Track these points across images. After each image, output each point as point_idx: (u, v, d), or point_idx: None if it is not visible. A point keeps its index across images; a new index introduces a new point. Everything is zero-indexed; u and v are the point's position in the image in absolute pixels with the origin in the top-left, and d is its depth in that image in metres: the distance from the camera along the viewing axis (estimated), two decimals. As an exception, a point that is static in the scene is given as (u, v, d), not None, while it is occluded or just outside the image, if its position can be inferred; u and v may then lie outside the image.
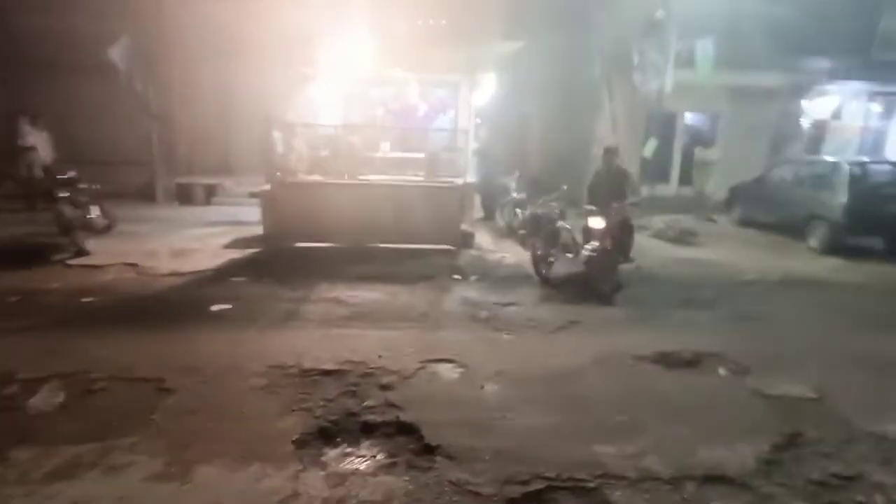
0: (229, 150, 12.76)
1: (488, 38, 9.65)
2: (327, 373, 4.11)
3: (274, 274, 6.82)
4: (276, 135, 9.20)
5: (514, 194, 9.82)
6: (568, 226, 7.59)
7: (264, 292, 6.20)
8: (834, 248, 9.16)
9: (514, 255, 8.32)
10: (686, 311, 6.20)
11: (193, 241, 8.23)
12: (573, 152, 14.35)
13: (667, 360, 4.67)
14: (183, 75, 12.00)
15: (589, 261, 6.50)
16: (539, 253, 6.95)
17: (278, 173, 7.87)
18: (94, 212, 7.97)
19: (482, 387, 4.07)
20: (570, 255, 7.09)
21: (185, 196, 12.04)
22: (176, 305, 5.67)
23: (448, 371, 4.32)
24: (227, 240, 8.39)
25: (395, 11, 9.68)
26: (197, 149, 12.75)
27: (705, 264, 8.50)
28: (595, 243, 6.56)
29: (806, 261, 8.96)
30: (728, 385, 4.37)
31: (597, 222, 6.70)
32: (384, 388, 3.93)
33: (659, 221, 10.89)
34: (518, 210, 9.39)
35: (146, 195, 11.84)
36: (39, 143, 9.91)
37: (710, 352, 4.86)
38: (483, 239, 9.27)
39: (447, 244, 8.09)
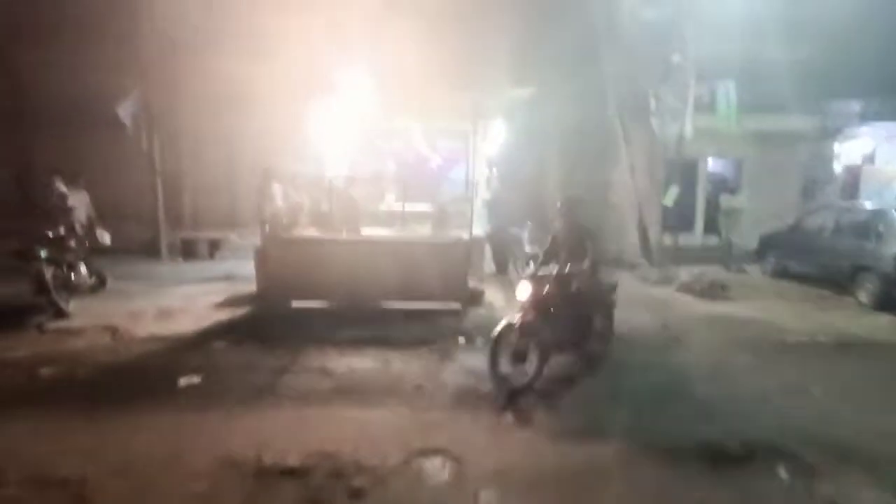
0: (235, 202, 12.50)
1: (498, 84, 9.30)
2: (289, 471, 3.40)
3: (259, 337, 6.21)
4: (275, 186, 8.88)
5: (528, 247, 9.18)
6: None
7: (243, 360, 5.57)
8: (887, 302, 8.19)
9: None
10: (725, 383, 5.35)
11: (184, 300, 7.72)
12: (589, 201, 13.76)
13: (711, 455, 3.81)
14: (189, 129, 11.94)
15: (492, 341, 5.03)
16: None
17: (269, 228, 7.38)
18: (81, 271, 7.57)
19: (476, 494, 3.29)
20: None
21: (189, 251, 11.70)
22: (141, 378, 5.07)
23: (437, 468, 3.56)
24: (220, 298, 7.87)
25: (402, 58, 9.45)
26: (203, 202, 12.54)
27: (741, 322, 7.63)
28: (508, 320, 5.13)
29: (856, 318, 8.01)
30: (793, 494, 3.47)
31: (523, 290, 5.25)
32: (354, 494, 3.19)
33: (684, 274, 10.09)
34: (532, 264, 8.72)
35: (151, 251, 11.51)
36: (78, 202, 9.43)
37: (762, 441, 4.00)
38: (494, 296, 8.57)
39: (453, 303, 7.41)
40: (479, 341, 6.36)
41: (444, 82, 9.43)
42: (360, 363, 5.61)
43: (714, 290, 9.30)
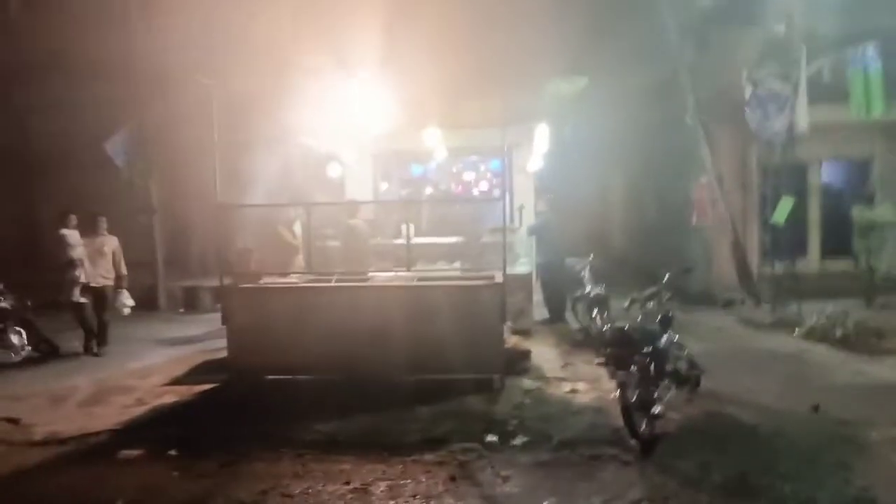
0: (247, 246, 10.97)
1: (539, 75, 7.21)
2: None
3: (200, 436, 4.30)
4: (281, 230, 7.13)
5: (589, 287, 6.87)
6: (679, 344, 4.60)
7: (152, 484, 3.63)
8: None
9: (593, 385, 5.26)
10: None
11: (137, 375, 5.97)
12: (666, 224, 11.22)
13: None
14: (191, 165, 10.61)
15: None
16: (633, 399, 3.88)
17: (230, 279, 5.54)
18: (14, 338, 6.03)
19: None
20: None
21: (191, 301, 10.18)
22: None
23: None
24: (184, 369, 6.07)
25: (423, 57, 7.59)
26: (211, 246, 11.09)
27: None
28: None
29: None
30: None
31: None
32: None
33: (809, 313, 7.34)
34: (596, 311, 6.40)
35: (149, 301, 10.08)
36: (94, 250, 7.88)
37: None
38: (545, 355, 6.29)
39: (485, 373, 5.21)
40: (519, 440, 4.13)
41: (473, 81, 7.46)
42: (327, 488, 3.53)
43: (864, 338, 6.56)
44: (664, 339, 4.39)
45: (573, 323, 7.67)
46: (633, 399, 3.87)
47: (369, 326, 5.16)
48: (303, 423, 4.48)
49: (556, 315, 7.91)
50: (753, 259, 9.21)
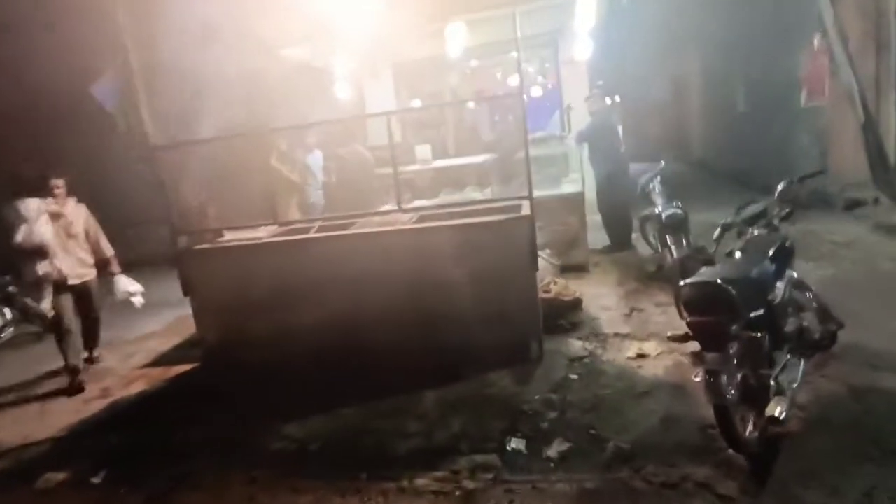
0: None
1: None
2: None
3: (142, 448, 3.38)
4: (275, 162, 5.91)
5: (660, 204, 5.17)
6: (803, 285, 3.02)
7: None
8: None
9: (669, 343, 3.79)
10: None
11: (123, 351, 5.19)
12: (762, 114, 8.91)
13: None
14: (190, 105, 9.47)
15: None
16: (734, 394, 2.39)
17: (184, 236, 4.42)
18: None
19: None
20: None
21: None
22: None
23: None
24: (176, 341, 5.23)
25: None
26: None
27: None
28: None
29: None
30: None
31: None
32: None
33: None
34: (670, 238, 4.75)
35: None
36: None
37: None
38: (603, 299, 4.83)
39: (516, 338, 3.86)
40: (556, 449, 2.82)
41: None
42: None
43: None
44: (782, 286, 2.80)
45: (642, 249, 6.07)
46: (734, 394, 2.40)
47: (357, 286, 3.92)
48: (273, 422, 3.42)
49: (620, 241, 6.30)
50: (890, 143, 6.93)
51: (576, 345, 3.99)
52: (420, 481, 2.73)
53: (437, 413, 3.32)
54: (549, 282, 4.61)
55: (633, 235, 6.35)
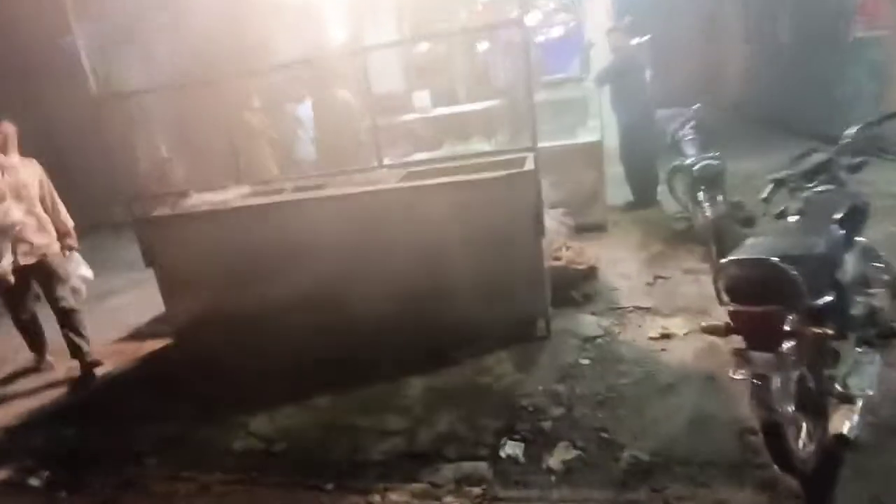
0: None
1: None
2: None
3: (90, 445, 3.01)
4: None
5: (692, 153, 4.46)
6: (875, 254, 2.37)
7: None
8: None
9: (697, 319, 3.23)
10: None
11: (95, 319, 4.81)
12: (808, 48, 7.86)
13: None
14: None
15: None
16: (786, 407, 1.84)
17: (141, 205, 3.90)
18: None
19: None
20: None
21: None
22: None
23: None
24: (149, 315, 4.82)
25: None
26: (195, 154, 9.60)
27: None
28: None
29: None
30: None
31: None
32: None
33: None
34: (703, 192, 4.07)
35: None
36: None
37: None
38: (623, 264, 4.24)
39: (520, 315, 3.33)
40: (559, 458, 2.33)
41: None
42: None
43: None
44: (852, 260, 2.19)
45: (669, 205, 5.40)
46: (786, 407, 1.85)
47: (335, 256, 3.40)
48: (239, 415, 3.01)
49: (644, 197, 5.62)
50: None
51: (589, 321, 3.44)
52: (393, 496, 2.29)
53: (422, 406, 2.86)
54: (561, 246, 4.03)
55: (660, 189, 5.65)
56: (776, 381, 1.82)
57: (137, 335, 4.41)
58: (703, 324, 2.05)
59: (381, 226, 3.34)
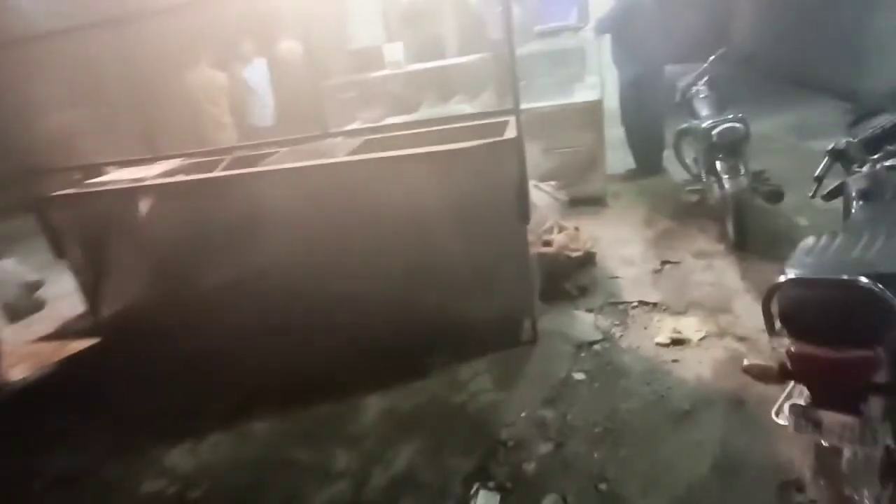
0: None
1: None
2: None
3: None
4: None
5: (707, 115, 3.78)
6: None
7: None
8: None
9: (716, 319, 2.67)
10: None
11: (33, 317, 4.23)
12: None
13: None
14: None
15: None
16: (868, 474, 1.30)
17: (42, 182, 3.23)
18: None
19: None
20: None
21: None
22: None
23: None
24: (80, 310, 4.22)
25: None
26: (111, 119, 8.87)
27: None
28: None
29: None
30: None
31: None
32: None
33: None
34: (722, 162, 3.41)
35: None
36: None
37: None
38: (624, 246, 3.64)
39: (504, 314, 2.75)
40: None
41: None
42: None
43: None
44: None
45: (676, 172, 4.77)
46: (866, 484, 1.29)
47: (282, 245, 2.78)
48: (157, 444, 2.46)
49: (648, 163, 4.97)
50: None
51: (585, 321, 2.87)
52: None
53: (378, 437, 2.30)
54: (552, 226, 3.42)
55: (665, 154, 5.00)
56: (855, 453, 1.26)
57: (62, 333, 3.82)
58: (746, 362, 1.45)
59: (331, 207, 2.71)
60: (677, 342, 2.59)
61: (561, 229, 3.42)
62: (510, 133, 2.47)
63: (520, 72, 4.78)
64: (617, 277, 3.26)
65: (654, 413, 2.19)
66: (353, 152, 2.86)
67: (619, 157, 5.01)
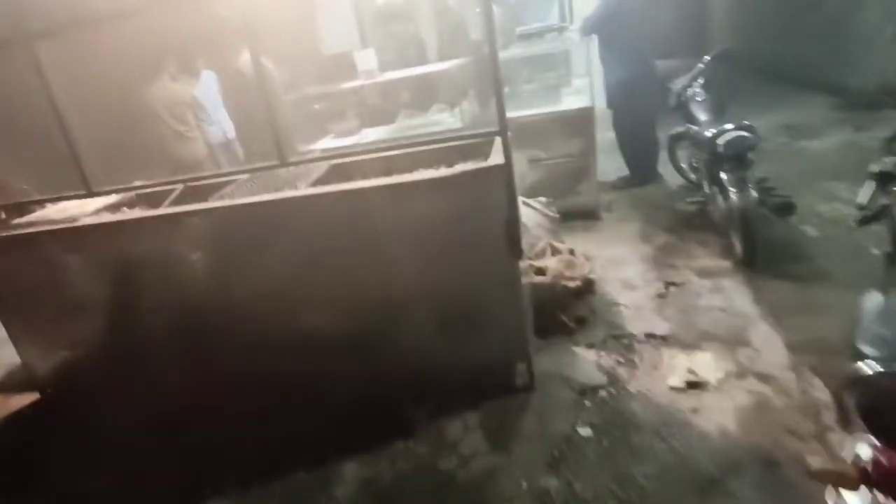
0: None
1: None
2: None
3: None
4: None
5: (704, 121, 3.51)
6: None
7: None
8: None
9: (733, 353, 2.38)
10: None
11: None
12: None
13: None
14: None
15: None
16: None
17: None
18: None
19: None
20: None
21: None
22: None
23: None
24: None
25: None
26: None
27: None
28: None
29: None
30: None
31: None
32: None
33: None
34: (729, 176, 3.12)
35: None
36: None
37: None
38: (621, 266, 3.34)
39: (494, 358, 2.43)
40: None
41: None
42: None
43: None
44: None
45: (670, 177, 4.50)
46: None
47: (244, 288, 2.43)
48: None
49: (642, 170, 4.68)
50: None
51: (586, 361, 2.56)
52: None
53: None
54: (545, 248, 3.11)
55: (660, 157, 4.72)
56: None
57: (5, 386, 3.41)
58: (814, 467, 1.14)
59: (293, 243, 2.36)
60: (693, 385, 2.29)
61: (555, 252, 3.11)
62: (496, 157, 2.14)
63: (503, 78, 4.48)
64: (618, 305, 2.96)
65: (674, 479, 1.89)
66: (318, 181, 2.52)
67: (610, 163, 4.73)
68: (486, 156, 2.26)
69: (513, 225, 2.12)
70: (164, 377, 2.58)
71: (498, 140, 2.18)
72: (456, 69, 4.54)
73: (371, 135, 4.40)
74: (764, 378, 2.26)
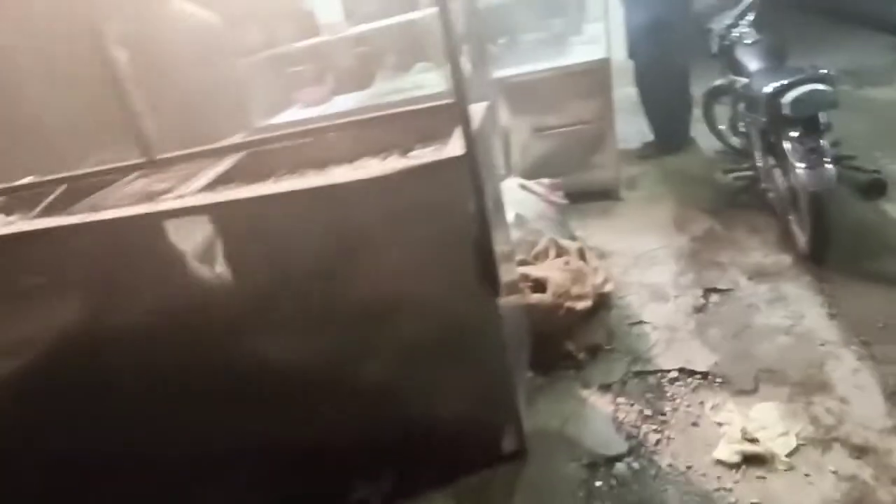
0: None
1: None
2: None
3: None
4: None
5: (755, 69, 2.68)
6: None
7: None
8: None
9: (815, 431, 1.68)
10: None
11: None
12: None
13: None
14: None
15: None
16: None
17: None
18: None
19: None
20: None
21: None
22: None
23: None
24: None
25: None
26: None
27: None
28: None
29: None
30: None
31: None
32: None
33: None
34: (795, 144, 2.33)
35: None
36: None
37: None
38: (648, 265, 2.61)
39: (472, 426, 1.77)
40: None
41: None
42: None
43: None
44: None
45: (704, 141, 3.68)
46: None
47: (158, 330, 1.79)
48: None
49: (671, 134, 3.85)
50: None
51: (599, 411, 1.88)
52: None
53: None
54: (545, 249, 2.40)
55: (692, 118, 3.88)
56: None
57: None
58: None
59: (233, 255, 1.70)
60: (752, 459, 1.60)
61: (560, 252, 2.40)
62: (455, 144, 1.41)
63: (498, 26, 3.62)
64: (642, 323, 2.26)
65: None
66: (220, 178, 1.83)
67: (631, 127, 3.92)
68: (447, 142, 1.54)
69: (485, 250, 1.41)
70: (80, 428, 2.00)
71: (474, 111, 1.43)
72: (437, 18, 3.71)
73: (342, 103, 3.71)
74: (859, 450, 1.56)
